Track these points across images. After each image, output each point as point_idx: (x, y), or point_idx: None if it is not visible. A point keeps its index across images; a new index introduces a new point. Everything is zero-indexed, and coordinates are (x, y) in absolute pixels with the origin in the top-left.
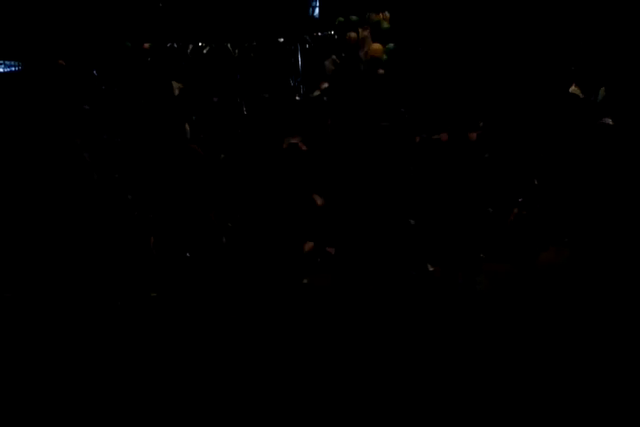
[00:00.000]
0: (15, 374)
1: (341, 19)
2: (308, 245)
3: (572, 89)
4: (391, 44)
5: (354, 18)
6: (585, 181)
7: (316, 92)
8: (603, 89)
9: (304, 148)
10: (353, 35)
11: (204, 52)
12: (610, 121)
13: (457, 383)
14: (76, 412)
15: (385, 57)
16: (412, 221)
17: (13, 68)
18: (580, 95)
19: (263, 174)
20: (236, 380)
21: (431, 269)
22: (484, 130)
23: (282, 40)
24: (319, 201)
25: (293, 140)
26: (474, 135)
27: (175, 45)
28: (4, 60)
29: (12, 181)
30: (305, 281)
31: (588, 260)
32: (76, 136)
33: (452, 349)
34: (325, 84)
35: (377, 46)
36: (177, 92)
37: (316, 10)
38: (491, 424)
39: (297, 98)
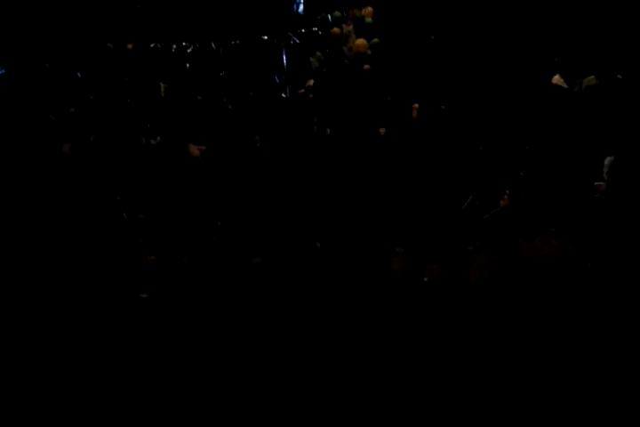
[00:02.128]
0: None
1: (325, 15)
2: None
3: (556, 79)
4: (376, 39)
5: (337, 14)
6: (571, 172)
7: (302, 90)
8: (589, 79)
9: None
10: (337, 30)
11: (188, 51)
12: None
13: (444, 366)
14: (70, 410)
15: (369, 52)
16: (405, 217)
17: None
18: (564, 86)
19: (250, 173)
20: (229, 376)
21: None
22: (470, 123)
23: (266, 38)
24: (304, 197)
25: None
26: (461, 129)
27: (159, 46)
28: None
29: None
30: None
31: (574, 249)
32: (63, 138)
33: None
34: (311, 82)
35: (361, 41)
36: (163, 91)
37: (301, 6)
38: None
39: (283, 95)
